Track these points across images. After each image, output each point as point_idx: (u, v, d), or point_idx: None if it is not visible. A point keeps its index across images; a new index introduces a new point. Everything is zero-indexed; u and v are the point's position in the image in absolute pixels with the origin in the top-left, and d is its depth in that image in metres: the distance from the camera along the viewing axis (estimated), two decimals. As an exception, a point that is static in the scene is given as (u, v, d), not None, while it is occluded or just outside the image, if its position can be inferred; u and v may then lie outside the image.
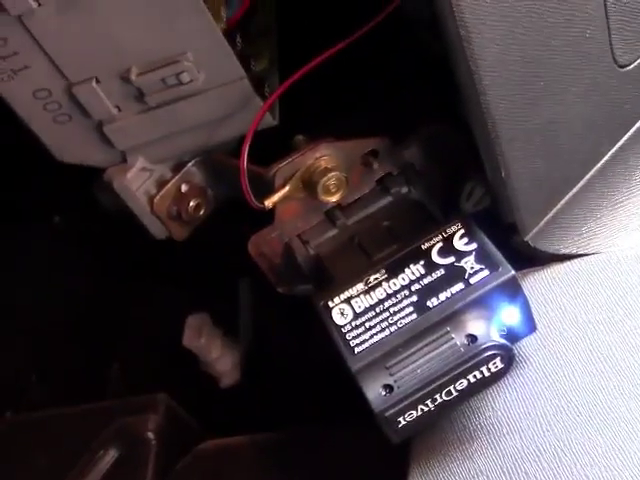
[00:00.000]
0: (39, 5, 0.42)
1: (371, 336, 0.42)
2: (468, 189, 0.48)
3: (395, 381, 0.40)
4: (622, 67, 0.45)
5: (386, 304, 0.42)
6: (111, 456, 0.60)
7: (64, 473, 0.60)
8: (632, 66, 0.45)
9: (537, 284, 0.46)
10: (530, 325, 0.43)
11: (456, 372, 0.40)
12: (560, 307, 0.45)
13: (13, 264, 0.76)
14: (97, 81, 0.46)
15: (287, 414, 0.65)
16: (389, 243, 0.46)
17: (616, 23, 0.43)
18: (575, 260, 0.47)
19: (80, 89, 0.47)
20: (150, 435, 0.60)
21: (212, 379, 0.67)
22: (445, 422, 0.45)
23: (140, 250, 0.66)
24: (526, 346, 0.45)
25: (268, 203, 0.46)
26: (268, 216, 0.49)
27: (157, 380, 0.69)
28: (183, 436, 0.62)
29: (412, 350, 0.41)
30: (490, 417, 0.44)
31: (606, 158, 0.47)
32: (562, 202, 0.46)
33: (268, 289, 0.51)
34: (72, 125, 0.49)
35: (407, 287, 0.43)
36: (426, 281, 0.42)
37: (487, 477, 0.43)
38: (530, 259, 0.47)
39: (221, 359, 0.66)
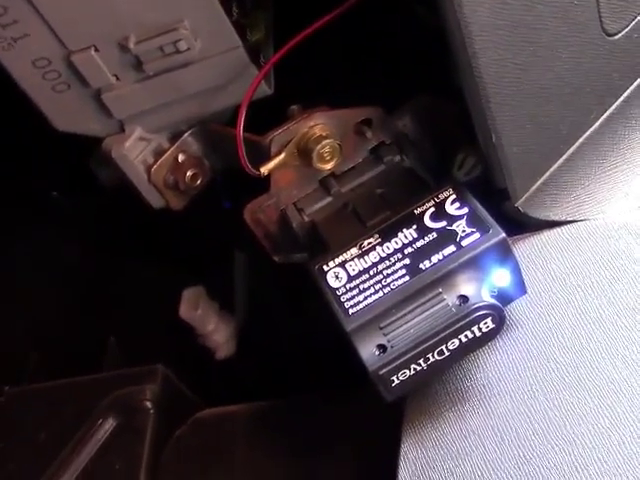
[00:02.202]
0: (38, -27, 0.43)
1: (365, 298, 0.42)
2: (460, 158, 0.49)
3: (389, 341, 0.41)
4: (610, 36, 0.46)
5: (380, 267, 0.43)
6: (109, 425, 0.61)
7: (63, 444, 0.61)
8: (620, 35, 0.46)
9: (527, 249, 0.47)
10: (520, 288, 0.44)
11: (448, 332, 0.41)
12: (550, 271, 0.46)
13: (11, 240, 0.76)
14: (96, 49, 0.47)
15: (282, 385, 0.65)
16: (382, 210, 0.47)
17: (604, -9, 0.44)
18: (564, 226, 0.48)
19: (79, 57, 0.47)
20: (148, 404, 0.61)
21: (208, 351, 0.67)
22: (437, 384, 0.46)
23: (137, 224, 0.67)
24: (517, 309, 0.46)
25: (264, 170, 0.47)
26: (264, 188, 0.50)
27: (154, 352, 0.69)
28: (180, 406, 0.63)
29: (405, 311, 0.42)
30: (481, 378, 0.45)
31: (595, 126, 0.48)
32: (552, 169, 0.47)
33: (264, 261, 0.52)
34: (71, 94, 0.49)
35: (400, 250, 0.43)
36: (418, 244, 0.43)
37: (479, 436, 0.44)
38: (520, 226, 0.48)
39: (217, 331, 0.67)
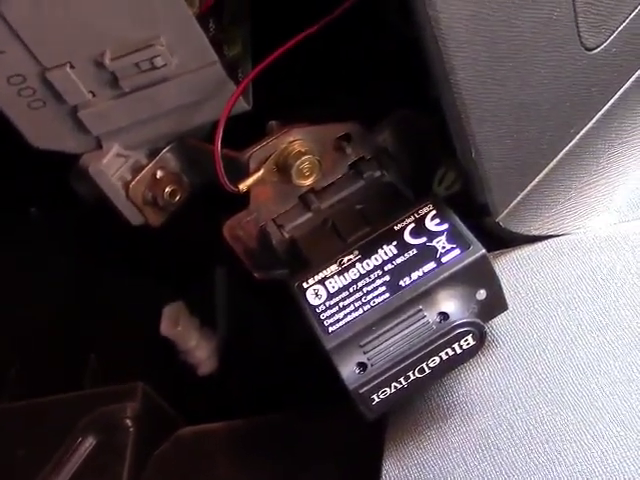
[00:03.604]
0: (13, -9, 0.43)
1: (345, 315, 0.42)
2: (440, 173, 0.49)
3: (369, 359, 0.41)
4: (589, 50, 0.46)
5: (359, 284, 0.43)
6: (89, 443, 0.60)
7: (44, 462, 0.60)
8: (599, 49, 0.46)
9: (508, 265, 0.47)
10: (501, 304, 0.43)
11: (428, 349, 0.40)
12: (531, 287, 0.46)
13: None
14: (71, 66, 0.46)
15: (264, 401, 0.65)
16: (362, 226, 0.47)
17: (582, 6, 0.44)
18: (545, 241, 0.48)
19: (54, 74, 0.47)
20: (128, 422, 0.60)
21: (190, 367, 0.67)
22: (419, 401, 0.46)
23: (116, 240, 0.66)
24: (498, 325, 0.45)
25: (242, 186, 0.47)
26: (243, 203, 0.50)
27: (135, 369, 0.69)
28: (161, 423, 0.63)
29: (385, 328, 0.41)
30: (463, 395, 0.45)
31: (575, 141, 0.48)
32: (532, 184, 0.47)
33: (244, 277, 0.51)
34: (47, 111, 0.49)
35: (380, 267, 0.43)
36: (398, 261, 0.43)
37: (460, 454, 0.43)
38: (501, 241, 0.48)
39: (198, 347, 0.67)
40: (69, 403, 0.64)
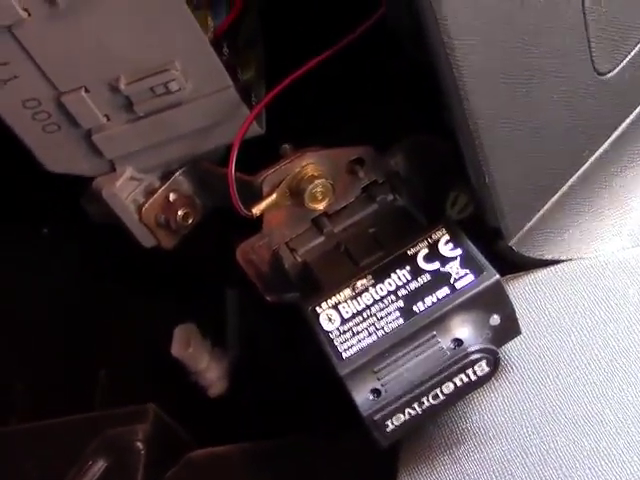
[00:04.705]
0: (29, 15, 0.43)
1: (358, 341, 0.42)
2: (452, 197, 0.49)
3: (383, 385, 0.41)
4: (602, 75, 0.46)
5: (373, 309, 0.43)
6: (100, 466, 0.60)
7: (54, 486, 0.60)
8: (611, 74, 0.46)
9: (521, 289, 0.47)
10: (515, 329, 0.43)
11: (442, 375, 0.40)
12: (544, 311, 0.46)
13: (0, 275, 0.76)
14: (86, 90, 0.47)
15: (275, 424, 0.65)
16: (375, 250, 0.46)
17: (595, 32, 0.44)
18: (558, 265, 0.47)
19: (69, 98, 0.47)
20: (139, 445, 0.60)
21: (201, 389, 0.67)
22: (432, 427, 0.46)
23: (128, 260, 0.66)
24: (511, 350, 0.45)
25: (256, 210, 0.47)
26: (255, 226, 0.50)
27: (145, 391, 0.69)
28: (172, 446, 0.62)
29: (399, 354, 0.41)
30: (477, 421, 0.45)
31: (587, 165, 0.48)
32: (545, 208, 0.47)
33: (256, 299, 0.51)
34: (61, 134, 0.49)
35: (393, 292, 0.43)
36: (412, 286, 0.43)
37: (474, 480, 0.43)
38: (514, 265, 0.48)
39: (209, 369, 0.66)
40: (79, 425, 0.64)
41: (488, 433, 0.44)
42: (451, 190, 0.49)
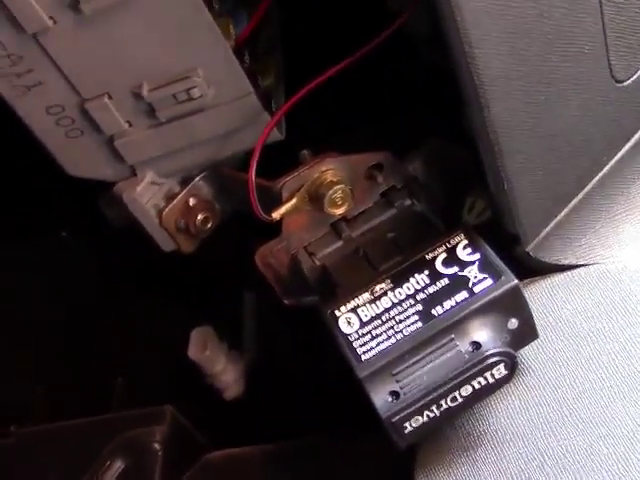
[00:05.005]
0: (54, 23, 0.43)
1: (377, 344, 0.42)
2: (470, 202, 0.49)
3: (401, 387, 0.41)
4: (619, 82, 0.46)
5: (392, 313, 0.43)
6: (118, 467, 0.61)
7: (71, 486, 0.61)
8: (629, 81, 0.46)
9: (538, 293, 0.47)
10: (532, 333, 0.44)
11: (461, 378, 0.41)
12: (561, 316, 0.46)
13: (19, 278, 0.77)
14: (109, 97, 0.47)
15: (292, 426, 0.65)
16: (394, 254, 0.47)
17: (613, 39, 0.44)
18: (575, 270, 0.48)
19: (92, 105, 0.48)
20: (156, 446, 0.61)
21: (217, 391, 0.67)
22: (450, 429, 0.46)
23: (145, 264, 0.67)
24: (529, 354, 0.46)
25: (275, 215, 0.47)
26: (274, 230, 0.50)
27: (162, 393, 0.70)
28: (189, 447, 0.63)
29: (418, 357, 0.42)
30: (494, 424, 0.45)
31: (604, 171, 0.48)
32: (562, 214, 0.47)
33: (272, 302, 0.52)
34: (84, 140, 0.50)
35: (412, 296, 0.44)
36: (431, 290, 0.43)
37: (491, 483, 0.44)
38: (531, 270, 0.48)
39: (226, 372, 0.67)
40: (97, 426, 0.65)
41: (505, 436, 0.44)
42: (469, 195, 0.49)
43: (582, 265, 0.48)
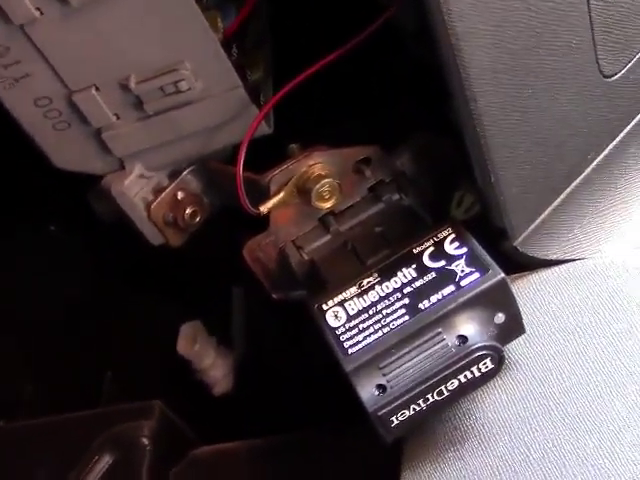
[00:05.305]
0: (41, 14, 0.43)
1: (364, 338, 0.42)
2: (458, 197, 0.50)
3: (388, 381, 0.41)
4: (607, 77, 0.46)
5: (379, 306, 0.43)
6: (106, 461, 0.60)
7: (60, 480, 0.61)
8: (617, 76, 0.47)
9: (525, 288, 0.47)
10: (519, 327, 0.44)
11: (447, 372, 0.41)
12: (548, 310, 0.46)
13: (7, 273, 0.76)
14: (97, 89, 0.47)
15: (280, 421, 0.65)
16: (381, 248, 0.47)
17: (600, 34, 0.44)
18: (562, 265, 0.48)
19: (80, 97, 0.47)
20: (144, 441, 0.60)
21: (206, 386, 0.67)
22: (436, 423, 0.46)
23: (134, 258, 0.67)
24: (515, 349, 0.46)
25: (263, 209, 0.47)
26: (263, 224, 0.50)
27: (151, 388, 0.69)
28: (177, 442, 0.63)
29: (404, 351, 0.42)
30: (480, 418, 0.45)
31: (592, 166, 0.49)
32: (550, 208, 0.47)
33: (261, 297, 0.52)
34: (71, 132, 0.50)
35: (399, 290, 0.43)
36: (418, 284, 0.43)
37: (478, 477, 0.43)
38: (518, 265, 0.48)
39: (214, 366, 0.67)
40: (85, 421, 0.65)
41: (491, 430, 0.44)
42: (457, 190, 0.49)
43: (569, 260, 0.48)
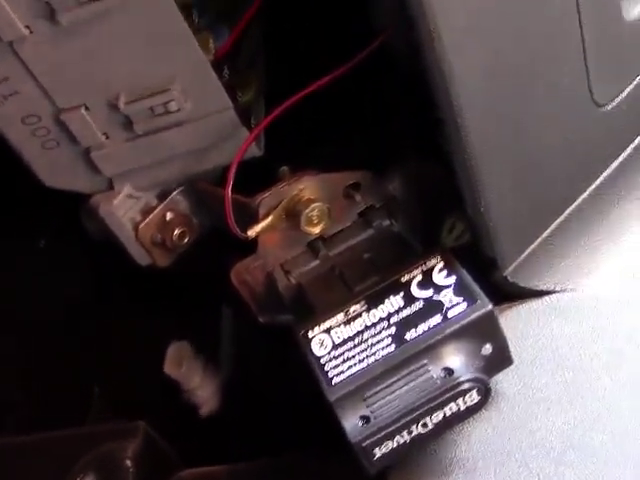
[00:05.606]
0: (31, 33, 0.43)
1: (349, 367, 0.42)
2: (449, 224, 0.49)
3: (372, 412, 0.40)
4: (600, 107, 0.46)
5: (365, 335, 0.43)
6: (89, 482, 0.60)
7: (43, 500, 0.60)
8: (609, 106, 0.46)
9: (514, 319, 0.47)
10: (507, 359, 0.43)
11: (432, 404, 0.40)
12: (536, 342, 0.46)
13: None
14: (86, 108, 0.47)
15: (266, 444, 0.64)
16: (370, 275, 0.46)
17: (593, 63, 0.44)
18: (552, 296, 0.47)
19: (69, 116, 0.47)
20: (128, 462, 0.60)
21: (193, 407, 0.67)
22: (421, 455, 0.45)
23: (122, 277, 0.66)
24: (502, 380, 0.45)
25: (251, 232, 0.47)
26: (251, 246, 0.50)
27: (138, 407, 0.69)
28: (161, 464, 0.62)
29: (389, 382, 0.41)
30: (465, 451, 0.44)
31: (583, 196, 0.48)
32: (540, 238, 0.47)
33: (249, 319, 0.51)
34: (60, 151, 0.49)
35: (386, 319, 0.43)
36: (405, 313, 0.43)
37: (462, 511, 0.43)
38: (508, 294, 0.48)
39: (202, 387, 0.66)
40: (69, 440, 0.64)
41: (477, 463, 0.44)
42: (448, 217, 0.49)
43: (559, 291, 0.47)
